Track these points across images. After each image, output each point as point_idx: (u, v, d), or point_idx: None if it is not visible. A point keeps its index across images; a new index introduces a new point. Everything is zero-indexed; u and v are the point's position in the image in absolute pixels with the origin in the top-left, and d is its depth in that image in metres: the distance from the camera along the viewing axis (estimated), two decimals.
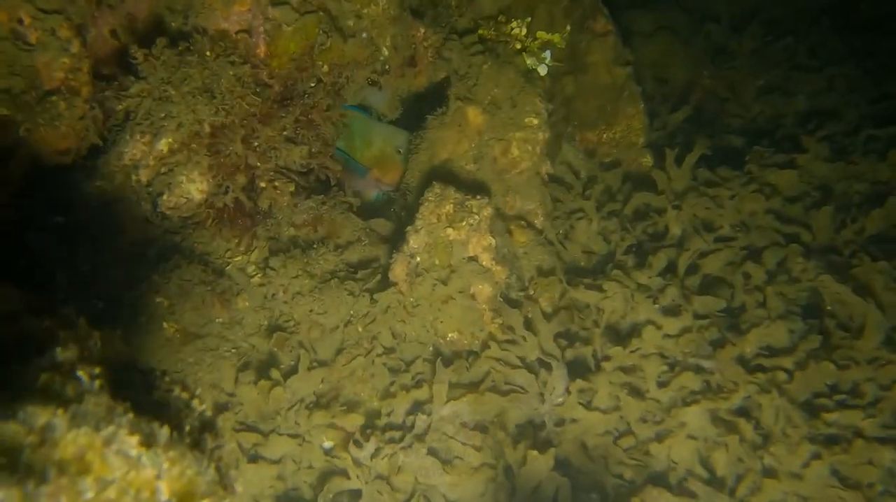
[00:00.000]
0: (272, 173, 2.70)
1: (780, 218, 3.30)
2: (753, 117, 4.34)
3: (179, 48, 2.52)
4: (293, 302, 2.93)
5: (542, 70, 3.48)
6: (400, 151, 3.73)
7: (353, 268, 3.11)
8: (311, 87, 2.78)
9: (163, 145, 2.51)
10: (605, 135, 3.89)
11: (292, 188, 2.74)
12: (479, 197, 2.92)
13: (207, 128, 2.52)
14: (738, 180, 3.47)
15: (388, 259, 3.06)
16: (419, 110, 3.62)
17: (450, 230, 2.86)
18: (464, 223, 2.85)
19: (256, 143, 2.64)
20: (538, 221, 3.39)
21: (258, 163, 2.67)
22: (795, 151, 3.59)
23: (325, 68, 2.77)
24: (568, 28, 3.53)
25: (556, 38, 3.51)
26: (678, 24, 4.86)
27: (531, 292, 3.04)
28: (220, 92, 2.49)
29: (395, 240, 3.29)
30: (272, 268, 2.96)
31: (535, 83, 3.38)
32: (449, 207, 2.86)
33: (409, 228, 2.90)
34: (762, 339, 2.78)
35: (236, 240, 2.98)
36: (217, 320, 2.91)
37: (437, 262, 2.87)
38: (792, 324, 2.83)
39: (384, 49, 2.91)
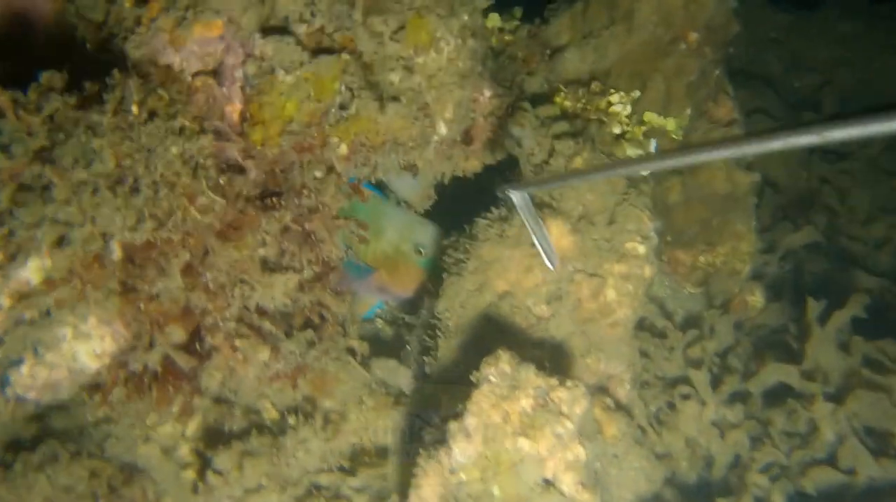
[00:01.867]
0: (232, 324, 1.52)
1: None
2: (878, 242, 3.32)
3: (85, 93, 1.35)
4: None
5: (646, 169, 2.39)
6: (421, 251, 2.59)
7: (350, 469, 1.92)
8: (317, 180, 1.62)
9: (31, 273, 1.32)
10: (701, 258, 2.79)
11: (265, 355, 1.56)
12: (569, 384, 1.77)
13: (118, 252, 1.33)
14: None
15: (406, 458, 1.89)
16: (460, 200, 2.48)
17: (523, 441, 1.70)
18: (546, 431, 1.70)
19: (210, 276, 1.46)
20: (623, 392, 2.26)
21: (209, 306, 1.49)
22: None
23: (344, 149, 1.62)
24: (688, 112, 2.44)
25: (670, 124, 2.42)
26: (773, 108, 3.85)
27: None
28: (150, 184, 1.32)
29: (420, 421, 2.12)
30: (216, 472, 1.76)
31: (641, 189, 2.28)
32: (525, 403, 1.71)
33: (452, 425, 1.73)
34: None
35: (163, 404, 1.76)
36: None
37: (495, 491, 1.70)
38: None
39: (441, 124, 1.78)
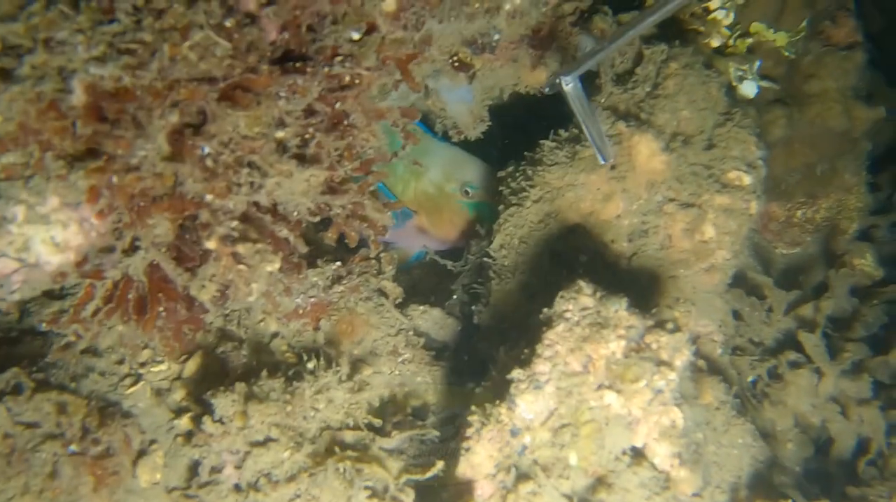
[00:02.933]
0: (234, 223, 1.15)
1: None
2: None
3: None
4: (253, 499, 1.36)
5: (751, 90, 1.97)
6: (468, 192, 2.20)
7: (381, 429, 1.54)
8: (353, 43, 1.24)
9: None
10: (798, 213, 2.35)
11: (275, 265, 1.19)
12: (669, 326, 1.37)
13: (81, 95, 0.97)
14: None
15: (456, 423, 1.52)
16: (521, 128, 2.09)
17: (610, 395, 1.30)
18: (642, 384, 1.30)
19: (209, 149, 1.09)
20: (714, 353, 1.85)
21: (208, 195, 1.12)
22: None
23: (391, 2, 1.24)
24: (804, 26, 2.01)
25: (780, 39, 2.00)
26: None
27: None
28: (128, 7, 0.95)
29: (469, 377, 1.74)
30: (219, 416, 1.39)
31: (748, 112, 1.86)
32: (615, 346, 1.31)
33: (517, 374, 1.34)
34: None
35: (154, 335, 1.40)
36: None
37: (571, 458, 1.31)
38: None
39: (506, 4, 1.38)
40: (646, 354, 1.31)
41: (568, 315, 1.35)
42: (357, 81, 1.26)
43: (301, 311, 1.68)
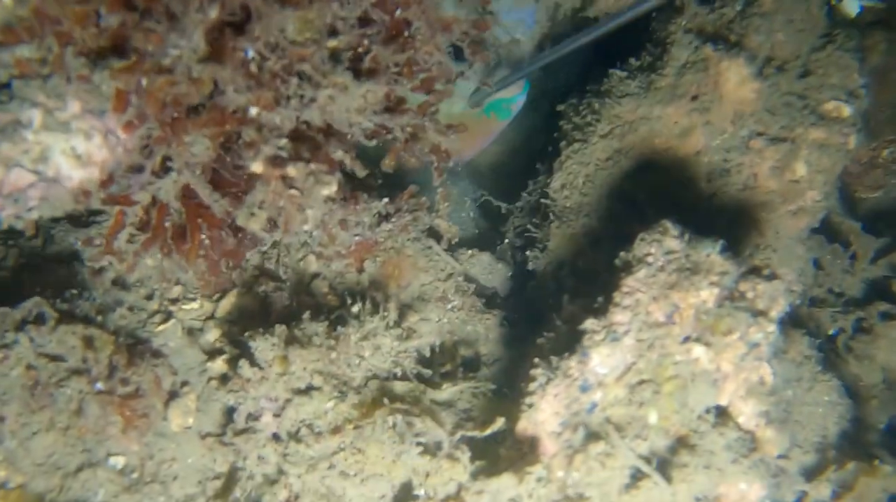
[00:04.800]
0: (282, 141, 1.00)
1: None
2: None
3: None
4: (293, 450, 1.25)
5: (853, 8, 1.75)
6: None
7: (433, 379, 1.42)
8: None
9: None
10: (885, 152, 2.14)
11: (332, 188, 1.04)
12: (766, 272, 1.20)
13: None
14: None
15: (511, 376, 1.39)
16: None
17: (699, 349, 1.15)
18: (736, 337, 1.14)
19: (253, 52, 0.94)
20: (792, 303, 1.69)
21: (253, 107, 0.96)
22: None
23: None
24: None
25: None
26: None
27: (827, 489, 1.35)
28: None
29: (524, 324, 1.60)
30: (257, 360, 1.27)
31: (851, 33, 1.65)
32: (706, 294, 1.15)
33: (590, 324, 1.19)
34: None
35: (191, 269, 1.28)
36: (113, 462, 1.24)
37: (651, 417, 1.17)
38: None
39: None
40: (741, 303, 1.15)
41: (651, 259, 1.19)
42: None
43: (344, 251, 1.54)
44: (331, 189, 1.03)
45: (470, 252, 1.83)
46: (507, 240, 1.90)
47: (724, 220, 1.58)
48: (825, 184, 1.56)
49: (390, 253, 1.59)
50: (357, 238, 1.55)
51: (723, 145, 1.53)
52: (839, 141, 1.54)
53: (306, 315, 1.33)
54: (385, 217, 1.56)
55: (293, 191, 1.05)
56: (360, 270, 1.59)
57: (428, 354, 1.52)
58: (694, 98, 1.53)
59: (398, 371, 1.40)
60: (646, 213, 1.55)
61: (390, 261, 1.61)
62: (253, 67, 0.95)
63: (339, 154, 1.08)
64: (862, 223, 2.08)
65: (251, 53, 0.94)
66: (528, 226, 1.82)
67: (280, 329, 1.30)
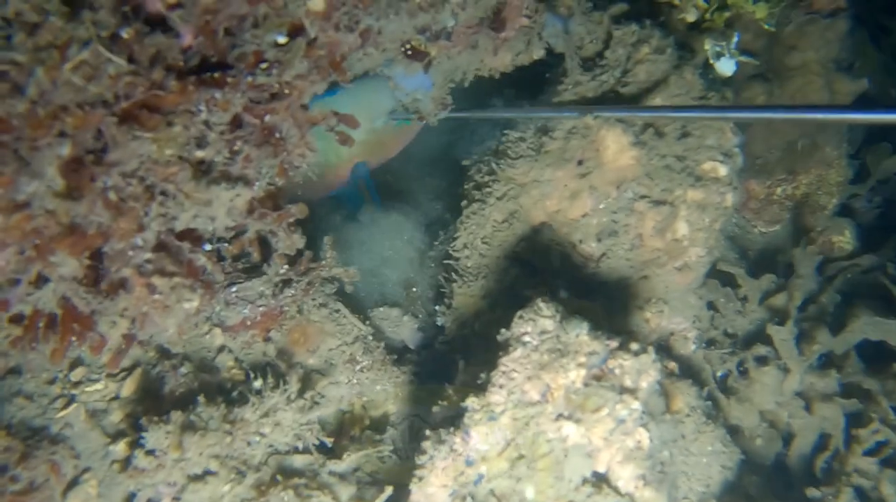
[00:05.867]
0: (148, 255, 1.04)
1: None
2: None
3: None
4: None
5: (729, 68, 1.84)
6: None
7: (334, 448, 1.46)
8: (278, 48, 1.10)
9: None
10: (778, 190, 2.25)
11: (193, 303, 1.07)
12: (635, 348, 1.27)
13: None
14: None
15: (410, 441, 1.44)
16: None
17: (570, 426, 1.22)
18: (603, 414, 1.21)
19: (112, 181, 0.97)
20: (687, 350, 1.78)
21: (113, 226, 1.00)
22: None
23: (320, 1, 1.09)
24: None
25: (760, 10, 1.86)
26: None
27: None
28: None
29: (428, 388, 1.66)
30: (151, 448, 1.30)
31: (724, 94, 1.73)
32: (574, 375, 1.21)
33: (471, 402, 1.25)
34: None
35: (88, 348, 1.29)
36: None
37: (528, 492, 1.23)
38: None
39: None
40: (608, 382, 1.22)
41: (526, 338, 1.26)
42: (287, 91, 1.13)
43: (249, 322, 1.57)
44: (192, 304, 1.06)
45: (382, 309, 1.87)
46: (415, 289, 1.94)
47: (616, 277, 1.66)
48: (707, 240, 1.65)
49: (296, 320, 1.62)
50: (262, 309, 1.59)
51: (609, 208, 1.60)
52: (716, 200, 1.62)
53: (201, 398, 1.36)
54: (287, 283, 1.60)
55: (157, 297, 1.08)
56: (267, 340, 1.63)
57: (334, 421, 1.57)
58: (580, 163, 1.60)
59: (299, 444, 1.44)
60: (538, 276, 1.62)
61: (297, 328, 1.65)
62: (112, 195, 0.97)
63: (201, 261, 1.12)
64: (759, 257, 2.19)
65: (110, 182, 0.97)
66: (439, 278, 1.88)
67: (176, 415, 1.33)
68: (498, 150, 1.74)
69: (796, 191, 2.26)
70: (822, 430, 1.76)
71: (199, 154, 1.09)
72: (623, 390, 1.22)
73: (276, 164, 1.17)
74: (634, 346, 1.27)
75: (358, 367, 1.68)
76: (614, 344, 1.26)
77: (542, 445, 1.22)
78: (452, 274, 1.75)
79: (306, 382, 1.58)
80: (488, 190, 1.69)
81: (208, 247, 1.28)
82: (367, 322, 1.77)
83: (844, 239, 2.29)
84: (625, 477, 1.29)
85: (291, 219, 1.21)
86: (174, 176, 1.03)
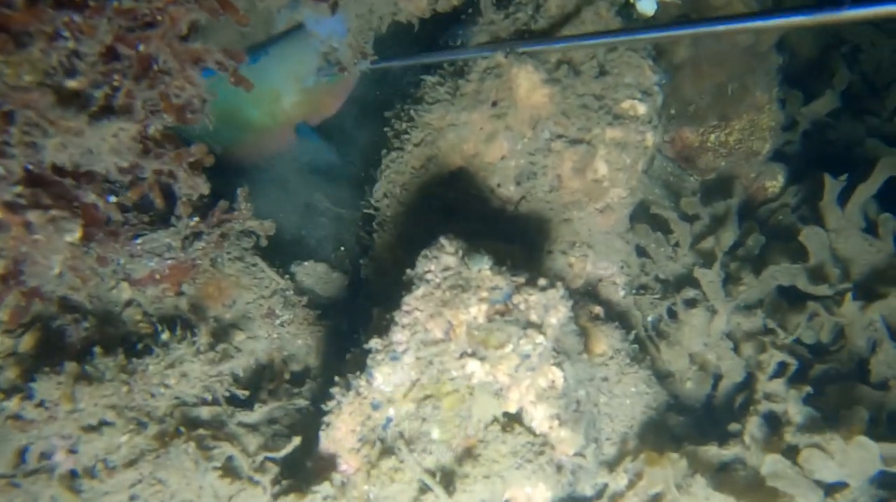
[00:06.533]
0: (17, 188, 0.98)
1: None
2: None
3: None
4: (88, 487, 1.23)
5: (650, 7, 1.80)
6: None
7: (245, 402, 1.42)
8: None
9: None
10: (712, 136, 2.24)
11: (75, 235, 1.02)
12: (542, 283, 1.25)
13: None
14: None
15: (326, 395, 1.40)
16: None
17: (473, 363, 1.19)
18: (509, 350, 1.18)
19: None
20: (616, 296, 1.76)
21: None
22: None
23: None
24: None
25: None
26: None
27: (623, 479, 1.42)
28: None
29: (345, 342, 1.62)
30: (40, 400, 1.24)
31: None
32: (476, 310, 1.18)
33: (374, 343, 1.21)
34: None
35: None
36: None
37: (433, 432, 1.20)
38: None
39: None
40: (512, 316, 1.19)
41: (429, 276, 1.22)
42: (160, 18, 1.06)
43: (158, 276, 1.51)
44: (73, 236, 1.01)
45: (306, 263, 1.83)
46: (343, 248, 1.90)
47: (536, 221, 1.63)
48: (628, 180, 1.63)
49: (209, 273, 1.57)
50: (170, 262, 1.53)
51: (526, 149, 1.57)
52: (636, 138, 1.60)
53: (97, 349, 1.31)
54: (196, 236, 1.54)
55: (36, 237, 1.02)
56: (179, 293, 1.57)
57: (249, 374, 1.52)
58: (494, 104, 1.56)
59: (209, 396, 1.40)
60: (459, 221, 1.58)
61: (210, 282, 1.59)
62: None
63: (91, 198, 1.06)
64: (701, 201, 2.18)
65: None
66: (362, 234, 1.83)
67: (70, 366, 1.28)
68: (416, 97, 1.69)
69: (729, 138, 2.25)
70: (749, 369, 1.76)
71: (72, 84, 1.03)
72: (528, 325, 1.19)
73: (155, 96, 1.10)
74: (542, 282, 1.24)
75: (278, 321, 1.64)
76: (521, 279, 1.23)
77: (446, 384, 1.19)
78: (374, 224, 1.71)
79: (222, 335, 1.53)
80: (406, 136, 1.65)
81: (113, 198, 1.24)
82: (287, 276, 1.72)
83: (777, 183, 2.30)
84: (538, 416, 1.26)
85: (191, 159, 1.14)
86: (34, 101, 0.96)
